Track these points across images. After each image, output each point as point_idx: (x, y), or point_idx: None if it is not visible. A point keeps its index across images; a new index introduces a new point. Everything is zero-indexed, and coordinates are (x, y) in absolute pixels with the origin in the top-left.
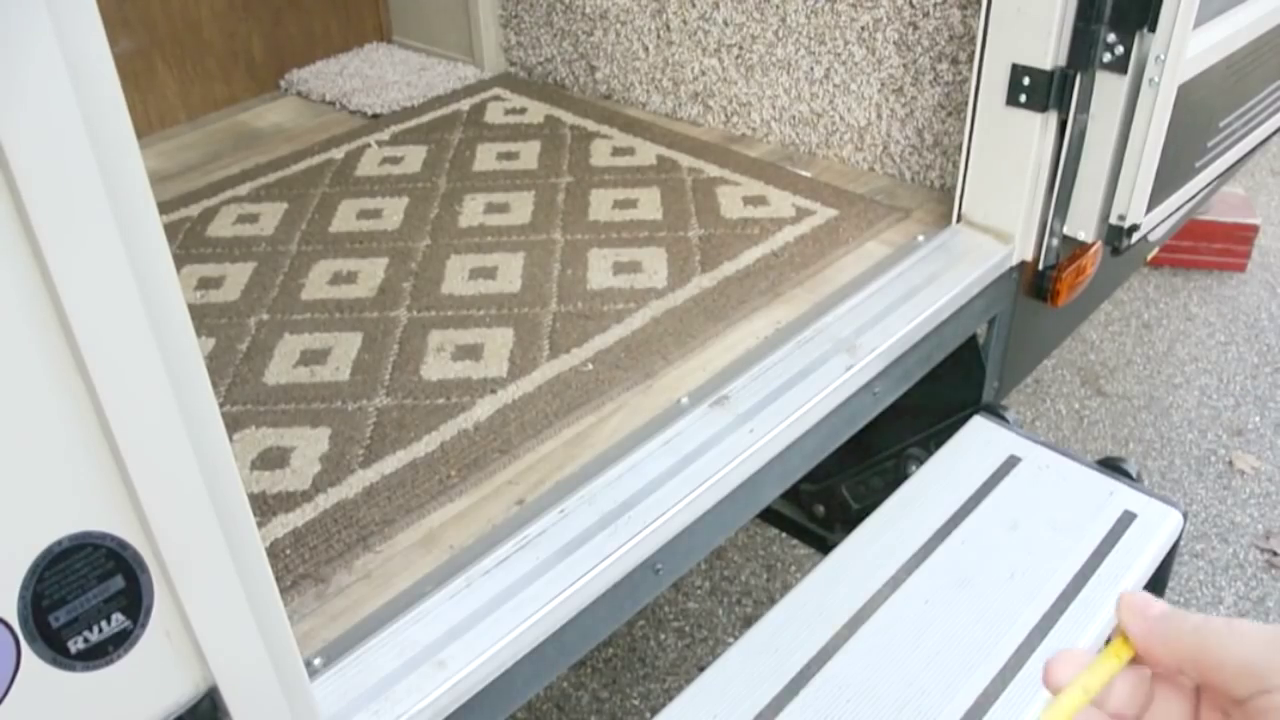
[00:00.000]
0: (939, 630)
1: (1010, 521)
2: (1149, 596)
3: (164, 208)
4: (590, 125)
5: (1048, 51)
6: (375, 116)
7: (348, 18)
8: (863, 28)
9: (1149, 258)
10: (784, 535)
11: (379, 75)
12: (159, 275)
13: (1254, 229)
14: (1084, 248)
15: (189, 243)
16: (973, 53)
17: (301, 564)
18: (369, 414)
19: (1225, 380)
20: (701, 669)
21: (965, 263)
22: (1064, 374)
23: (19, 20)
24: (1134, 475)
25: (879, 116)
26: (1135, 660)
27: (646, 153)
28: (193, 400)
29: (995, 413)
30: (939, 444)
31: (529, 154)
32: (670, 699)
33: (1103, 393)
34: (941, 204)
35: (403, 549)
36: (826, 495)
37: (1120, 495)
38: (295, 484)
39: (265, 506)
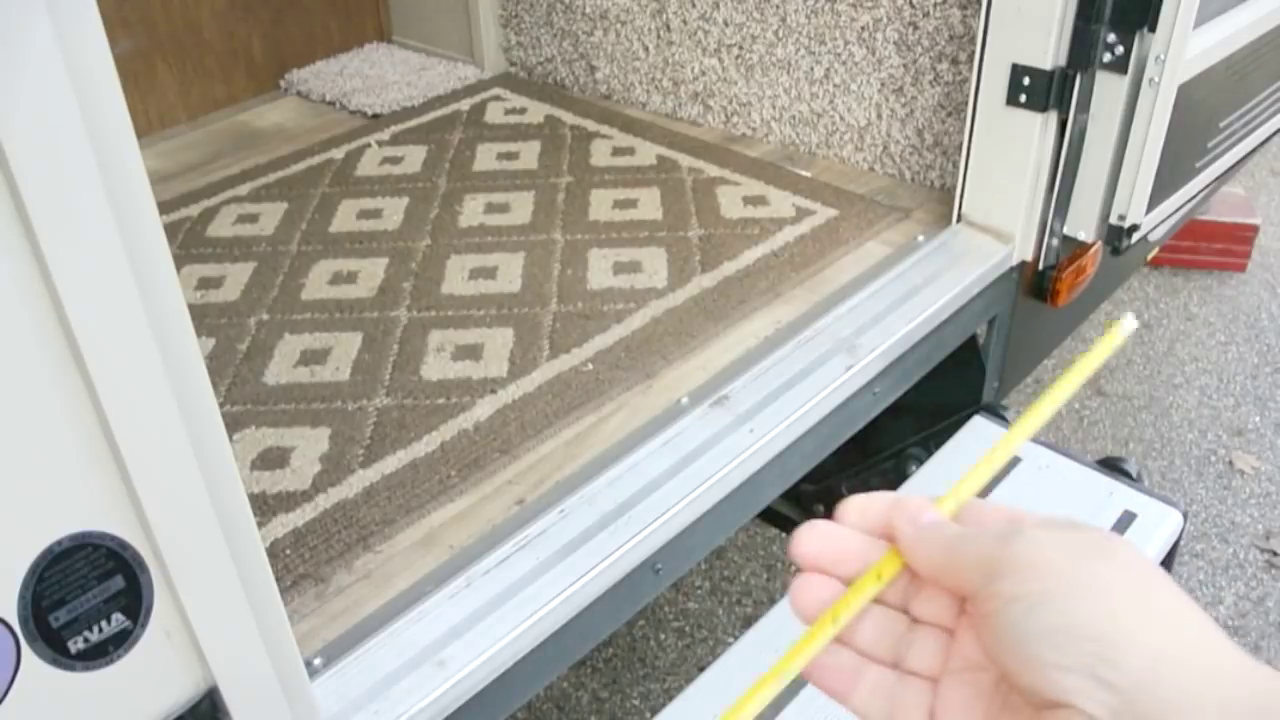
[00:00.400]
0: None
1: None
2: (926, 504)
3: (164, 208)
4: (590, 125)
5: (1048, 51)
6: (375, 116)
7: (348, 18)
8: (863, 28)
9: (1149, 258)
10: (784, 535)
11: (379, 75)
12: (159, 275)
13: (1254, 229)
14: (1084, 248)
15: (189, 243)
16: (973, 53)
17: (301, 564)
18: (369, 414)
19: (1225, 380)
20: (701, 669)
21: (965, 263)
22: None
23: (19, 20)
24: (1134, 475)
25: (879, 116)
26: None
27: (646, 153)
28: (193, 400)
29: (995, 413)
30: (939, 444)
31: (529, 154)
32: (670, 699)
33: (1103, 393)
34: (941, 204)
35: (403, 549)
36: (826, 495)
37: (1120, 495)
38: (295, 484)
39: (265, 506)
